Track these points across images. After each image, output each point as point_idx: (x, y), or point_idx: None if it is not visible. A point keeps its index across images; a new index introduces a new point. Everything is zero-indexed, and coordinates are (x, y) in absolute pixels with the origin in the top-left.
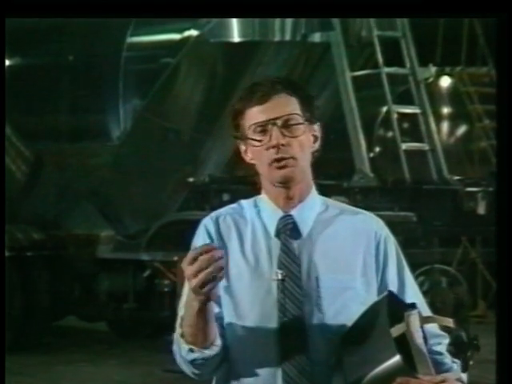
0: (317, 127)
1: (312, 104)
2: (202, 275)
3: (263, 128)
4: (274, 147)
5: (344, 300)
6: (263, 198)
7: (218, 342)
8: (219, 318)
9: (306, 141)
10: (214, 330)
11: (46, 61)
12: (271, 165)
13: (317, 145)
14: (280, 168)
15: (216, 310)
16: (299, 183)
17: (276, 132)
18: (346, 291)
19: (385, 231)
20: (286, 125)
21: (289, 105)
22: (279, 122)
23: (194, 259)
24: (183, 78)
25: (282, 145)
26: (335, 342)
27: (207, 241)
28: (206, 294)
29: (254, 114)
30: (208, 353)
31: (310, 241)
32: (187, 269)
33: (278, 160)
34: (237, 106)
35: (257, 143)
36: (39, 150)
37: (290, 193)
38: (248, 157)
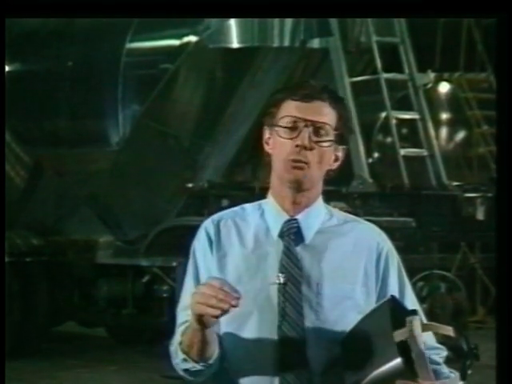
0: (341, 149)
1: (347, 126)
2: (209, 310)
3: (295, 124)
4: (297, 146)
5: (343, 309)
6: (268, 201)
7: (213, 359)
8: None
9: (328, 156)
10: (212, 348)
11: (45, 66)
12: (287, 161)
13: (335, 165)
14: (294, 168)
15: (214, 335)
16: (306, 190)
17: (305, 133)
18: (346, 300)
19: (387, 244)
20: (317, 132)
21: (327, 115)
22: (311, 126)
23: (216, 289)
24: (182, 83)
25: (305, 148)
26: (331, 350)
27: (206, 244)
28: (203, 321)
29: (292, 108)
30: (200, 368)
31: (312, 247)
32: (205, 290)
33: (295, 160)
34: (279, 94)
35: (284, 134)
36: (38, 155)
37: (297, 198)
38: (268, 146)
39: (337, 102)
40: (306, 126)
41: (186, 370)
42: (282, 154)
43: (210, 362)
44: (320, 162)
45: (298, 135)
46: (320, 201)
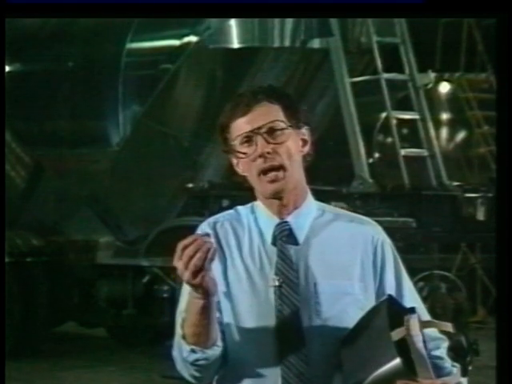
0: (305, 131)
1: (297, 110)
2: (191, 263)
3: (249, 139)
4: (260, 156)
5: (342, 305)
6: (259, 205)
7: (220, 343)
8: (219, 324)
9: (294, 146)
10: (216, 330)
11: (45, 67)
12: (260, 176)
13: (306, 149)
14: (270, 182)
15: (216, 314)
16: (292, 192)
17: (261, 141)
18: (344, 296)
19: (382, 236)
20: (270, 132)
21: (271, 112)
22: (263, 130)
23: (183, 251)
24: (182, 83)
25: (268, 153)
26: (333, 347)
27: None
28: (200, 283)
29: (239, 126)
30: (210, 353)
31: (306, 247)
32: (178, 264)
33: (266, 170)
34: (221, 120)
35: (243, 155)
36: (39, 155)
37: (284, 201)
38: (240, 169)
39: (275, 95)
40: (258, 133)
41: (194, 363)
42: (252, 171)
43: (218, 343)
44: (290, 158)
45: (256, 146)
46: (309, 198)
